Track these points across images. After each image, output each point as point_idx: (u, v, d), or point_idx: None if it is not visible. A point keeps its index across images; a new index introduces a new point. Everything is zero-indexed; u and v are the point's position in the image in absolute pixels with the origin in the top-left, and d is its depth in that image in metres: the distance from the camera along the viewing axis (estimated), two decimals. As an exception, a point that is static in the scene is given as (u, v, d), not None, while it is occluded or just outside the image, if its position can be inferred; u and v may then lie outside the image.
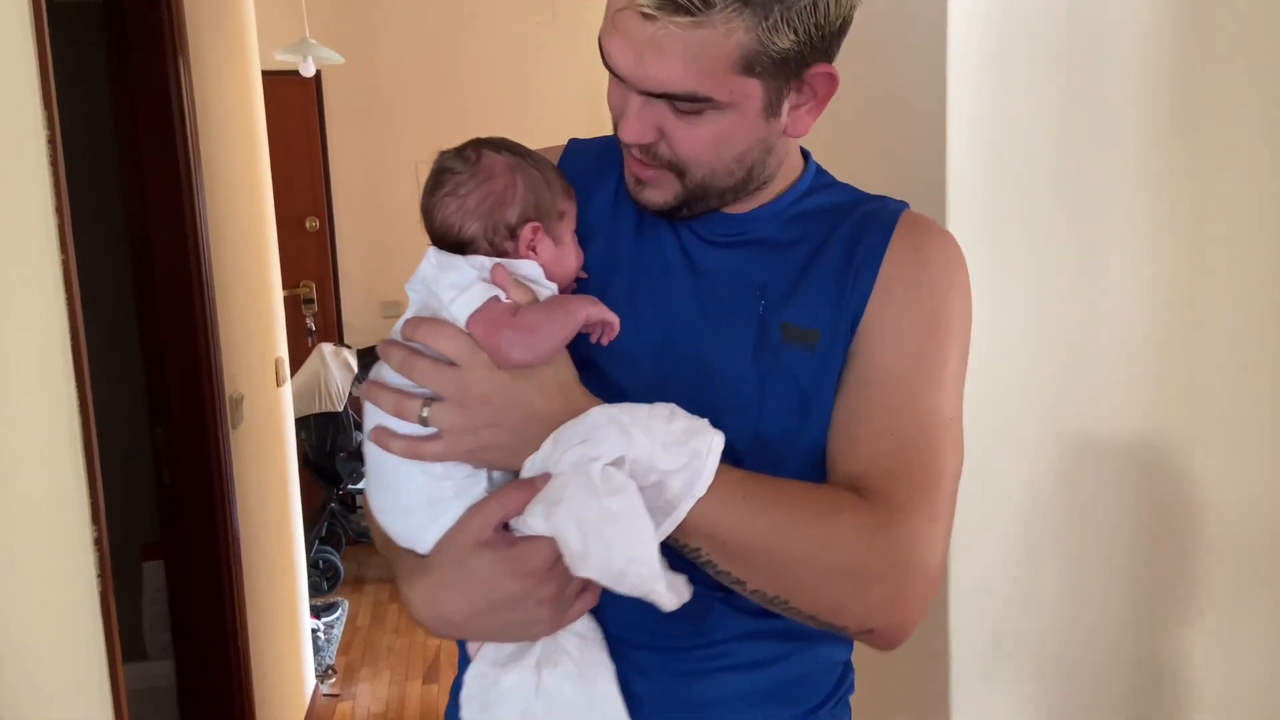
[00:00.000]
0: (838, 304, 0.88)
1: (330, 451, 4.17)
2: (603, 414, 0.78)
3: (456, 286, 0.82)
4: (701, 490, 0.77)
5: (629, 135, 0.84)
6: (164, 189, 2.22)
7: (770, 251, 0.92)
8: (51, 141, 1.35)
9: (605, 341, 0.88)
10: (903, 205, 0.95)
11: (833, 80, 0.84)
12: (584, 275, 0.94)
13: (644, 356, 0.90)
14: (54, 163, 1.35)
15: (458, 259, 0.85)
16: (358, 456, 4.17)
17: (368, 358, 4.27)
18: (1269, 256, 1.46)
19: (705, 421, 0.79)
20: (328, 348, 4.25)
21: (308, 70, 3.72)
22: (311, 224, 4.71)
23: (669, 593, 0.77)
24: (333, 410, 4.14)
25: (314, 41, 3.68)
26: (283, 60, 3.70)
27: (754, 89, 0.80)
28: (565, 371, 0.84)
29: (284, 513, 3.11)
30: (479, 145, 0.90)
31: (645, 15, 0.76)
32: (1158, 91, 1.42)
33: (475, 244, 0.87)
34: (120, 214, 2.35)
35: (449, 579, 0.83)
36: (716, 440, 0.78)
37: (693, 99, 0.80)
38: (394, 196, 4.73)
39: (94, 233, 2.50)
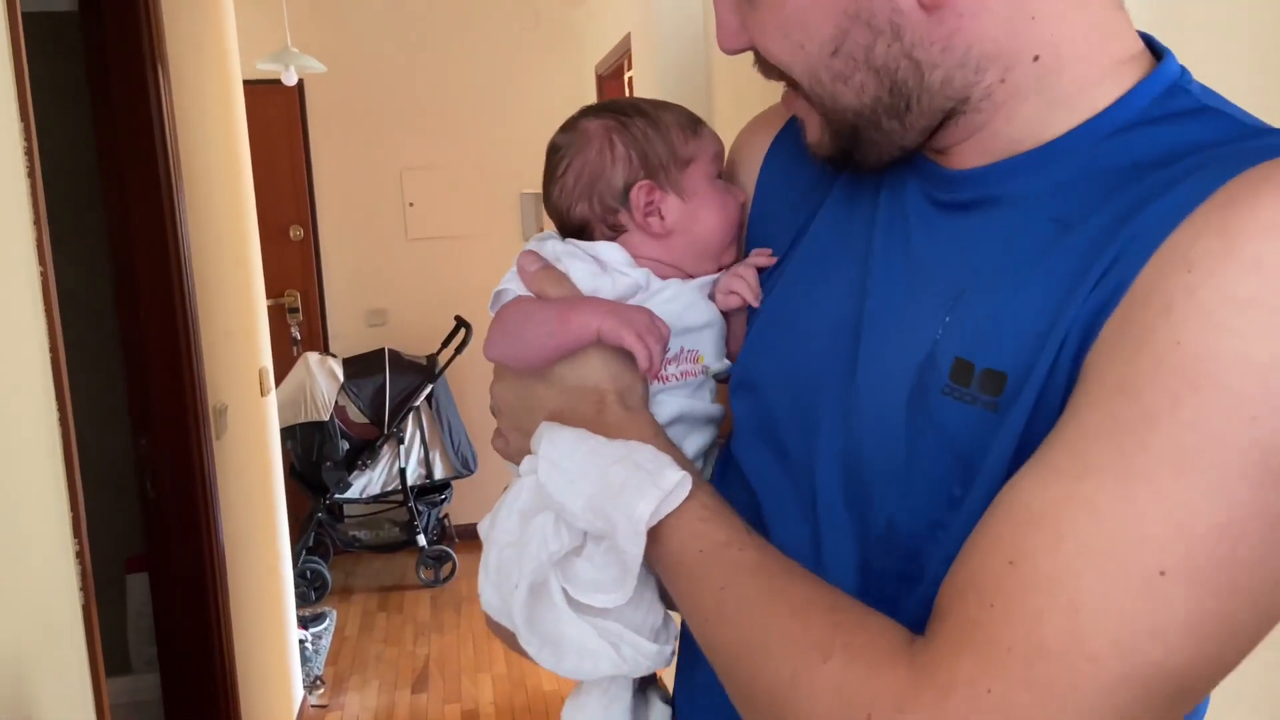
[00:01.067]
0: (1051, 325, 0.52)
1: (316, 461, 4.16)
2: (545, 428, 0.66)
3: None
4: (626, 593, 0.60)
5: (720, 39, 0.65)
6: (144, 199, 2.21)
7: (1000, 236, 0.57)
8: (29, 153, 1.34)
9: (651, 375, 0.69)
10: None
11: None
12: (770, 260, 0.74)
13: (803, 372, 0.66)
14: (31, 175, 1.35)
15: (530, 245, 0.77)
16: (344, 465, 4.16)
17: (353, 366, 4.26)
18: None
19: (659, 476, 0.60)
20: (313, 356, 4.24)
21: (290, 79, 3.72)
22: (296, 233, 4.70)
23: (545, 652, 0.65)
24: (319, 420, 4.12)
25: (296, 50, 3.68)
26: (265, 69, 3.69)
27: None
28: (598, 373, 0.69)
29: (270, 523, 3.09)
30: (583, 113, 0.78)
31: None
32: None
33: (590, 227, 0.77)
34: (101, 225, 2.34)
35: None
36: (640, 508, 0.58)
37: None
38: (378, 204, 4.72)
39: (74, 244, 2.49)
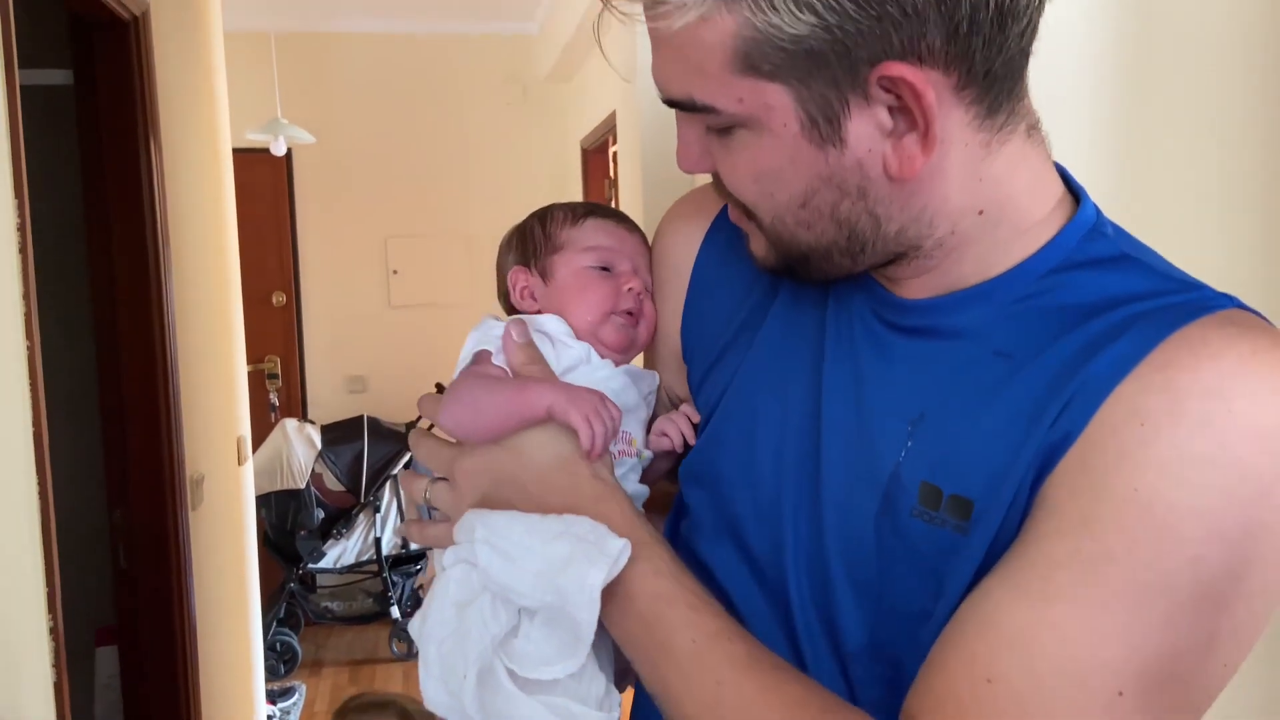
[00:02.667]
0: (1013, 458, 0.57)
1: (291, 530, 4.10)
2: (475, 515, 0.68)
3: (469, 343, 0.80)
4: (580, 658, 0.62)
5: (680, 161, 0.67)
6: (131, 268, 2.21)
7: (949, 366, 0.63)
8: (21, 229, 1.35)
9: (592, 455, 0.70)
10: (1222, 301, 0.58)
11: (914, 92, 0.56)
12: (696, 417, 0.78)
13: (765, 476, 0.70)
14: (23, 250, 1.35)
15: (490, 317, 0.82)
16: (319, 535, 4.11)
17: (331, 433, 4.24)
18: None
19: (603, 545, 0.62)
20: (291, 423, 4.21)
21: (279, 149, 3.76)
22: (278, 299, 4.70)
23: None
24: (294, 488, 4.08)
25: (285, 121, 3.73)
26: (254, 139, 3.73)
27: (776, 97, 0.58)
28: (560, 443, 0.70)
29: (242, 594, 3.04)
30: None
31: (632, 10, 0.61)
32: (1104, 127, 1.40)
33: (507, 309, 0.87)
34: (85, 289, 2.33)
35: None
36: (592, 575, 0.61)
37: (695, 108, 0.61)
38: (362, 272, 4.74)
39: (57, 308, 2.48)
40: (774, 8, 0.55)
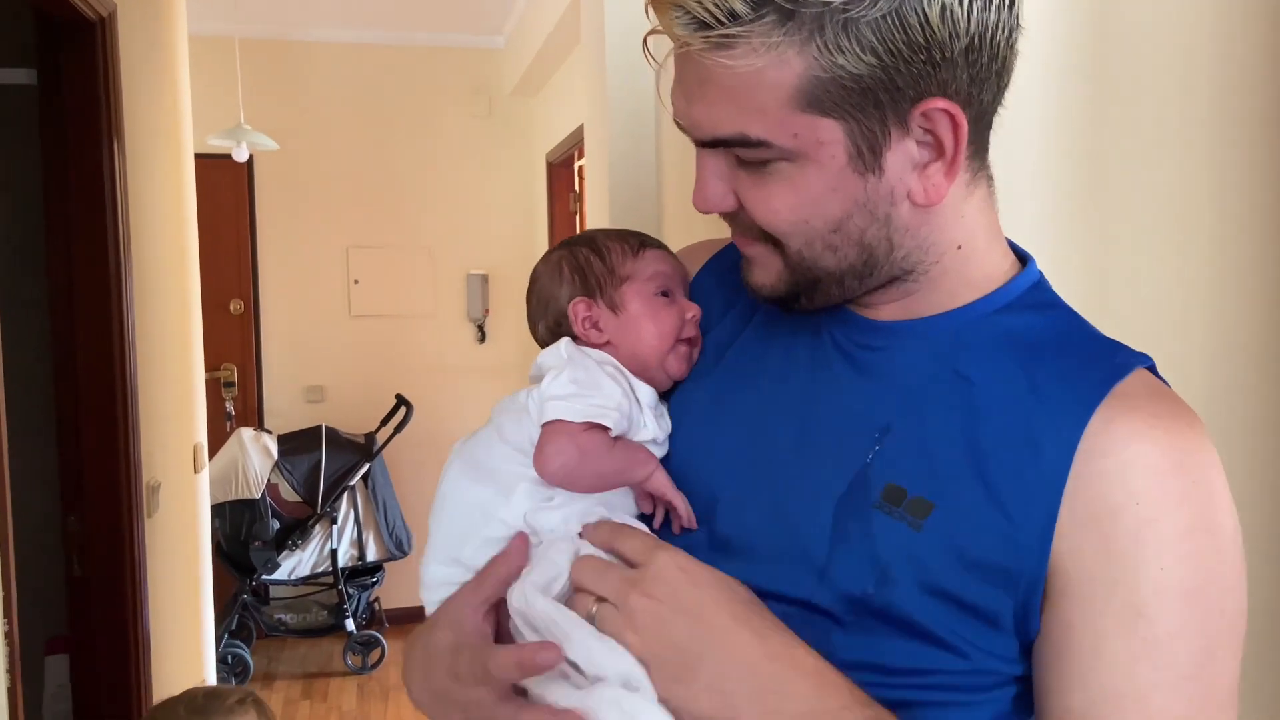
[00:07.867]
0: (980, 480, 0.65)
1: (245, 540, 4.04)
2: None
3: (574, 381, 0.78)
4: None
5: (699, 200, 0.70)
6: (91, 272, 2.19)
7: (915, 381, 0.70)
8: (-14, 226, 1.34)
9: (675, 528, 0.77)
10: (1139, 359, 0.68)
11: (954, 123, 0.63)
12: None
13: (724, 464, 0.76)
14: (-12, 247, 1.34)
15: (573, 345, 0.83)
16: (274, 545, 4.05)
17: (288, 443, 4.19)
18: (1175, 335, 1.48)
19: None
20: (247, 432, 4.16)
21: (241, 155, 3.72)
22: (236, 306, 4.65)
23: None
24: (249, 497, 4.03)
25: (249, 127, 3.70)
26: (216, 145, 3.70)
27: (830, 132, 0.63)
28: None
29: (195, 605, 3.00)
30: (555, 247, 0.89)
31: (677, 40, 0.63)
32: (1064, 185, 1.43)
33: (548, 342, 0.86)
34: (42, 291, 2.30)
35: (414, 653, 0.78)
36: None
37: (746, 144, 0.64)
38: (322, 281, 4.70)
39: (12, 309, 2.44)
40: (841, 50, 0.60)
